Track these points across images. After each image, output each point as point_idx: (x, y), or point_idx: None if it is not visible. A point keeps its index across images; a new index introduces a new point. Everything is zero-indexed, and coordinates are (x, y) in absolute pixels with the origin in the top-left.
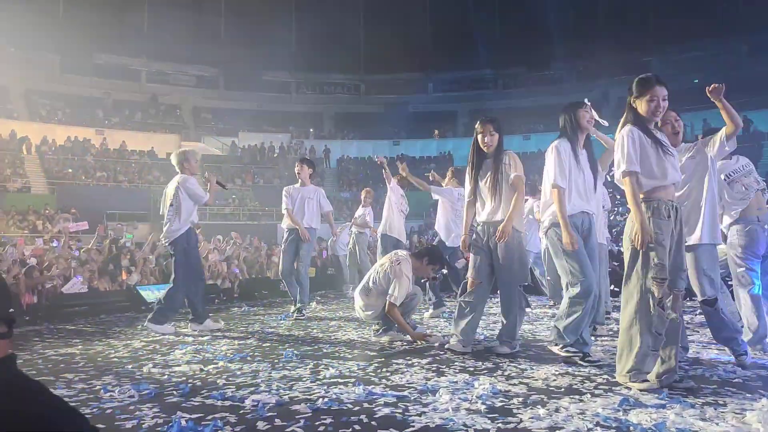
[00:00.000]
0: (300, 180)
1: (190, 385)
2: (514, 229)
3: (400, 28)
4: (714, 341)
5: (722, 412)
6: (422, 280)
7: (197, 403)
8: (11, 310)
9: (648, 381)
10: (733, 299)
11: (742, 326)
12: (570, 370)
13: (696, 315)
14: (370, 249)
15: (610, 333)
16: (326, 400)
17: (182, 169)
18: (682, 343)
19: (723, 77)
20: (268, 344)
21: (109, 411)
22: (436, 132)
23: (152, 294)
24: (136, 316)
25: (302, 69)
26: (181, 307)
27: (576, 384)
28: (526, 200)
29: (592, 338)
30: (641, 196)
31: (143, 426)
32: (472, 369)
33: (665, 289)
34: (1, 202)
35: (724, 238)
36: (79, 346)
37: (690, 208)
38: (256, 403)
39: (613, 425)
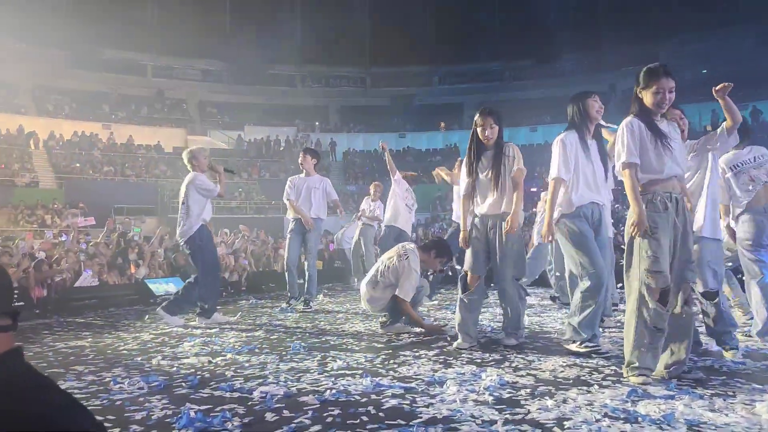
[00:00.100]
0: (304, 170)
1: (198, 377)
2: (512, 213)
3: (406, 21)
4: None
5: (731, 403)
6: (428, 273)
7: (206, 395)
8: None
9: (646, 375)
10: (743, 291)
11: (751, 318)
12: (578, 361)
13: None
14: (377, 242)
15: (618, 324)
16: (334, 391)
17: (192, 167)
18: (695, 337)
19: (731, 68)
20: (275, 336)
21: (118, 402)
22: (443, 124)
23: (160, 287)
24: (144, 309)
25: (308, 62)
26: (197, 303)
27: (584, 375)
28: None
29: (600, 329)
30: (639, 188)
31: (152, 417)
32: (479, 360)
33: (661, 282)
34: (9, 197)
35: (733, 233)
36: (89, 339)
37: (693, 203)
38: (264, 395)
39: (622, 416)
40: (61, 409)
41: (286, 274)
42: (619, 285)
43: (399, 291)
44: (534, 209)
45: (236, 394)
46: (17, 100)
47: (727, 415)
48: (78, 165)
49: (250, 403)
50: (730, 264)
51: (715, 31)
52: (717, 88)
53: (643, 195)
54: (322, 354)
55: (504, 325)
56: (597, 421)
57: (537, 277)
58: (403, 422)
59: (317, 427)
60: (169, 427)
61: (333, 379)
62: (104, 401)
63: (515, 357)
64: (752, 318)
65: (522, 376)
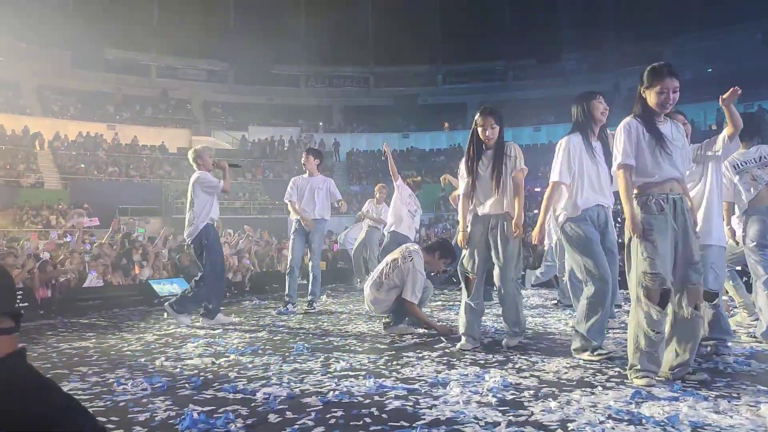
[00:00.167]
0: (307, 171)
1: (202, 378)
2: (515, 216)
3: (410, 20)
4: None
5: (736, 404)
6: (432, 274)
7: (209, 396)
8: (25, 303)
9: (649, 377)
10: (749, 292)
11: (756, 320)
12: (581, 362)
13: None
14: (381, 247)
15: (622, 325)
16: (337, 392)
17: (198, 166)
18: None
19: (736, 67)
20: (278, 337)
21: (122, 404)
22: (446, 124)
23: (164, 287)
24: (148, 310)
25: (311, 62)
26: (202, 303)
27: (587, 377)
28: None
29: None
30: (635, 190)
31: (156, 419)
32: (482, 362)
33: (657, 284)
34: (15, 197)
35: (733, 232)
36: (93, 340)
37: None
38: (267, 396)
39: (626, 418)
40: (62, 411)
41: (288, 276)
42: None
43: (406, 293)
44: (537, 210)
45: (239, 396)
46: (22, 100)
47: (731, 417)
48: (83, 166)
49: (253, 404)
50: (738, 268)
51: (720, 29)
52: (725, 96)
53: (639, 197)
54: (326, 355)
55: (505, 326)
56: (601, 423)
57: (549, 278)
58: (406, 424)
59: (320, 429)
60: (173, 428)
61: (336, 380)
62: (108, 402)
63: (519, 358)
64: (757, 319)
65: (525, 377)
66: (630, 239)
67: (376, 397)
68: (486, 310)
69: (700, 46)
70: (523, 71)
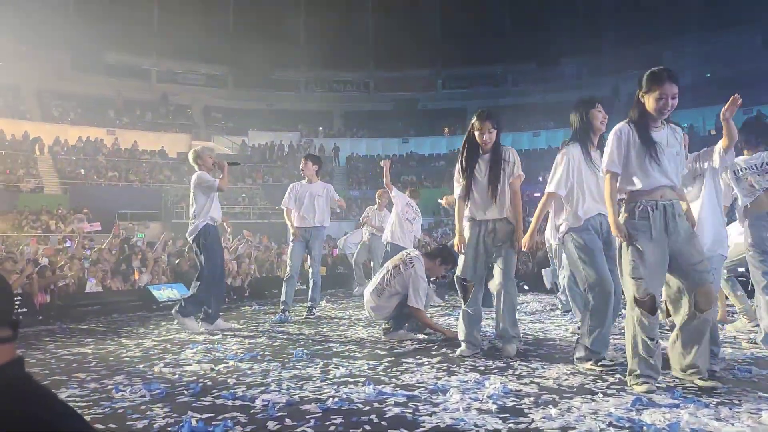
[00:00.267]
0: (306, 177)
1: (200, 384)
2: (515, 229)
3: (410, 25)
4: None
5: (737, 411)
6: (431, 279)
7: (208, 403)
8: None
9: (650, 383)
10: (750, 298)
11: (756, 326)
12: (582, 369)
13: None
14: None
15: (623, 332)
16: (336, 399)
17: (198, 167)
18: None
19: (736, 70)
20: (278, 343)
21: (120, 411)
22: (446, 129)
23: (164, 293)
24: (147, 315)
25: (311, 67)
26: (202, 306)
27: (588, 383)
28: None
29: None
30: (625, 196)
31: (154, 426)
32: (482, 368)
33: (642, 290)
34: (14, 202)
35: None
36: (92, 346)
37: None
38: (266, 403)
39: (626, 425)
40: (61, 417)
41: (285, 283)
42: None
43: (410, 301)
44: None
45: (238, 403)
46: (22, 105)
47: (732, 424)
48: (83, 170)
49: (252, 411)
50: (742, 269)
51: (719, 32)
52: (725, 109)
53: (628, 203)
54: (325, 361)
55: (500, 333)
56: (601, 430)
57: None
58: (405, 431)
59: None
60: None
61: (335, 386)
62: (106, 409)
63: (519, 365)
64: (757, 325)
65: (526, 384)
66: (621, 244)
67: (376, 404)
68: (486, 316)
69: (700, 50)
70: (523, 76)
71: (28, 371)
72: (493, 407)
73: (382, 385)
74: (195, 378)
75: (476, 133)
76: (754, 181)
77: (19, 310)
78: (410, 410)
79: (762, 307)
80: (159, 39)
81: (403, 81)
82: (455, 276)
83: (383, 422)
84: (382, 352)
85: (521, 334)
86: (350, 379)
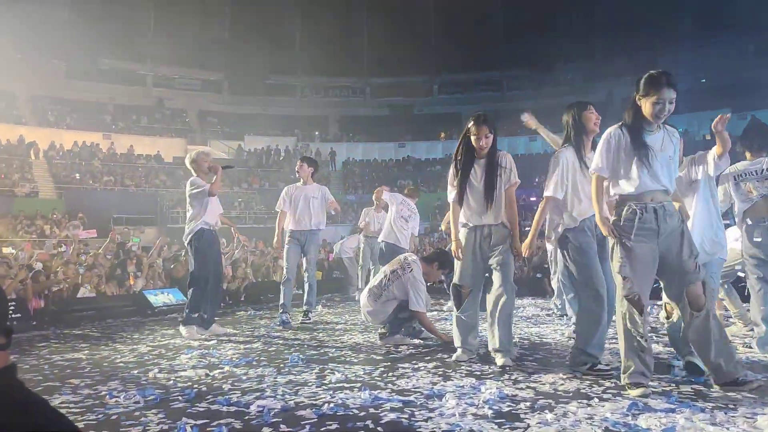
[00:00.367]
0: (301, 179)
1: (195, 390)
2: (512, 236)
3: (406, 31)
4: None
5: (733, 416)
6: (428, 284)
7: (202, 409)
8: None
9: (644, 386)
10: (744, 302)
11: (751, 330)
12: (578, 374)
13: None
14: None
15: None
16: (332, 405)
17: (194, 171)
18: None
19: (730, 77)
20: (273, 348)
21: (114, 417)
22: (442, 134)
23: (159, 298)
24: (142, 320)
25: (308, 72)
26: (197, 310)
27: (584, 388)
28: None
29: None
30: (616, 198)
31: None
32: (478, 373)
33: (627, 288)
34: (9, 207)
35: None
36: (86, 351)
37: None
38: (261, 409)
39: (622, 430)
40: (54, 424)
41: (282, 286)
42: None
43: (412, 305)
44: (530, 224)
45: (233, 408)
46: (17, 110)
47: (728, 429)
48: (78, 175)
49: (247, 417)
50: (742, 272)
51: (713, 39)
52: (715, 122)
53: (618, 206)
54: (321, 366)
55: (495, 344)
56: None
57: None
58: None
59: None
60: None
61: (331, 392)
62: (100, 416)
63: (515, 370)
64: (752, 329)
65: (522, 389)
66: (614, 243)
67: (372, 410)
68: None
69: (694, 56)
70: (519, 81)
71: (20, 378)
72: (489, 412)
73: (378, 391)
74: (190, 384)
75: (472, 138)
76: (753, 188)
77: (14, 316)
78: (406, 416)
79: (756, 312)
80: (155, 44)
81: (399, 86)
82: (452, 283)
83: (379, 428)
84: (378, 357)
85: (517, 340)
86: (346, 385)
